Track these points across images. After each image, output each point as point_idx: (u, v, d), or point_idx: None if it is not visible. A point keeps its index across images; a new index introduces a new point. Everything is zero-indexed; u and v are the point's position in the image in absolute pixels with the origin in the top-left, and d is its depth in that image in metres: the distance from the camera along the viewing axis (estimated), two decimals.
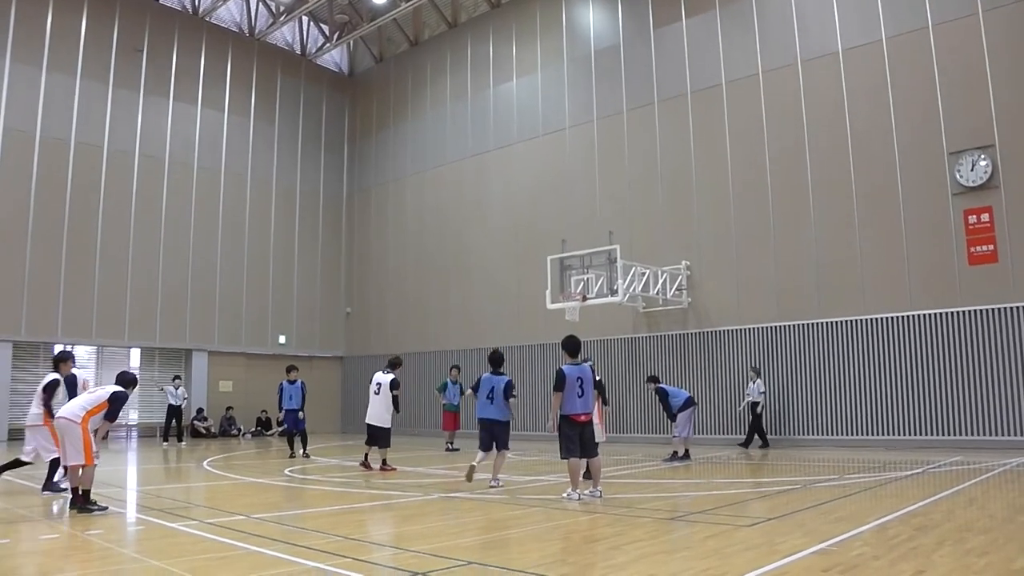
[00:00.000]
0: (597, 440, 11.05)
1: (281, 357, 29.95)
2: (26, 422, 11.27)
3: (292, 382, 18.36)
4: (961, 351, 17.65)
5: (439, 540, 7.44)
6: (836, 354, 19.38)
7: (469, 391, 12.60)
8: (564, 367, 10.23)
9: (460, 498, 10.58)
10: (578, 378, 10.14)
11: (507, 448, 12.03)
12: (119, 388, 9.79)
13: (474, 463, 11.71)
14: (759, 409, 19.14)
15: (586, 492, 10.12)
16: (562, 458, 10.21)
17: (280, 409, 18.49)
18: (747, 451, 18.59)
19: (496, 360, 12.27)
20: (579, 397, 10.11)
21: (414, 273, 29.94)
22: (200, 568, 6.22)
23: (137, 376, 11.47)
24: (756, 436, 19.17)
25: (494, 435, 11.86)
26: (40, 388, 11.20)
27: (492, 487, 11.42)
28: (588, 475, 10.79)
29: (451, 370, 21.22)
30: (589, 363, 11.09)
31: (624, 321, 22.94)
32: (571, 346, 10.49)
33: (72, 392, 10.84)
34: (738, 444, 19.41)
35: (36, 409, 11.14)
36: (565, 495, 10.07)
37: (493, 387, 11.89)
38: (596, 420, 11.52)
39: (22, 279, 24.01)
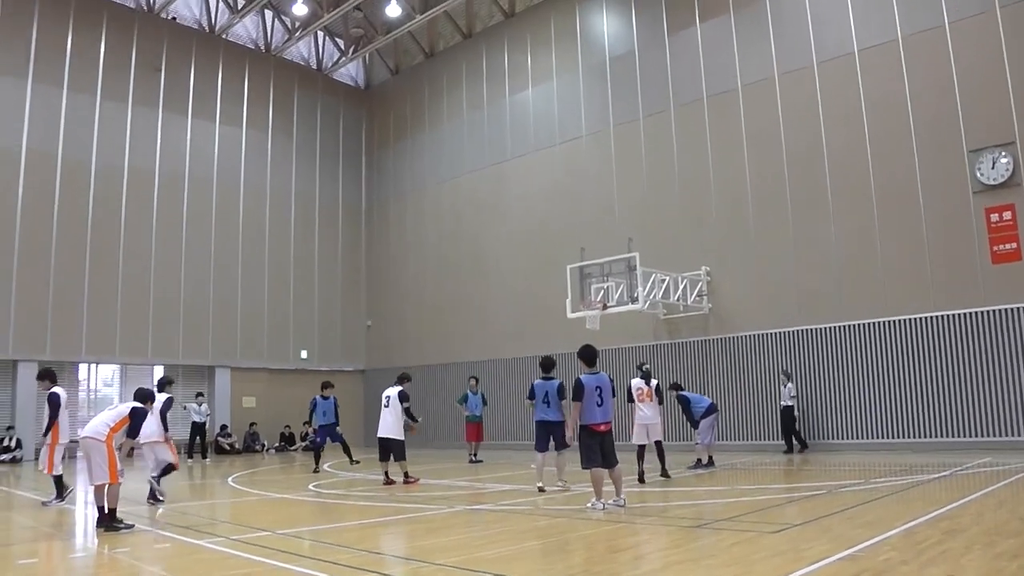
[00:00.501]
0: (656, 439, 13.70)
1: (303, 372, 30.16)
2: (140, 440, 11.41)
3: (326, 398, 18.67)
4: (985, 351, 17.47)
5: (464, 553, 7.43)
6: (859, 357, 19.23)
7: (528, 401, 13.05)
8: (582, 376, 10.20)
9: (484, 510, 10.57)
10: (596, 387, 10.12)
11: (567, 447, 12.03)
12: (138, 404, 9.90)
13: (538, 477, 12.01)
14: (795, 412, 19.12)
15: (610, 501, 10.07)
16: (584, 468, 10.18)
17: (310, 423, 18.63)
18: (791, 456, 18.41)
19: (547, 365, 12.63)
20: (598, 406, 10.09)
21: (433, 285, 30.00)
22: None
23: (155, 391, 11.70)
24: (794, 440, 19.10)
25: (553, 436, 12.34)
26: (159, 409, 12.09)
27: (559, 487, 11.73)
28: (665, 475, 12.20)
29: (470, 381, 21.23)
30: (646, 367, 12.98)
31: (645, 328, 22.87)
32: (588, 355, 10.51)
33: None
34: (782, 452, 19.19)
35: (154, 427, 11.91)
36: (589, 505, 10.03)
37: (547, 391, 12.46)
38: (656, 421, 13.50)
39: (46, 299, 24.24)
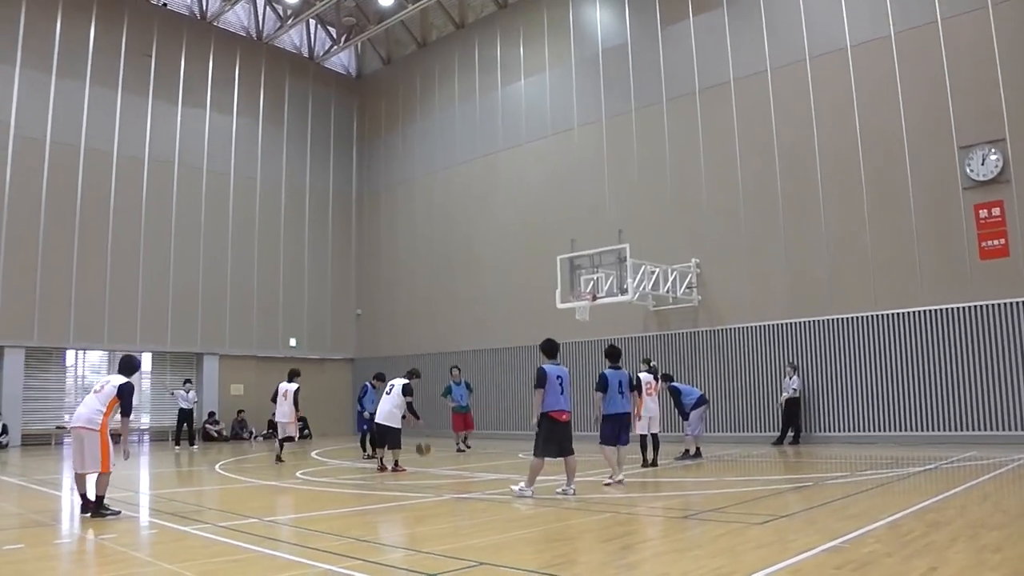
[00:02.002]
0: (654, 431, 14.27)
1: (292, 360, 30.04)
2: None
3: (375, 387, 18.53)
4: (972, 346, 17.57)
5: (451, 541, 7.44)
6: (847, 350, 19.32)
7: (598, 394, 11.65)
8: (545, 366, 10.49)
9: (472, 499, 10.59)
10: (558, 376, 10.42)
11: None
12: (123, 379, 9.54)
13: (615, 469, 11.59)
14: (797, 405, 19.35)
15: (558, 490, 10.41)
16: (535, 455, 10.43)
17: (362, 410, 18.77)
18: (782, 448, 18.61)
19: (614, 354, 12.01)
20: (560, 395, 10.37)
21: (423, 274, 29.97)
22: (213, 571, 6.25)
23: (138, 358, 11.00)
24: (789, 431, 19.28)
25: (624, 429, 11.72)
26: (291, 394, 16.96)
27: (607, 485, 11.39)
28: (655, 463, 12.72)
29: (452, 371, 21.18)
30: (652, 362, 13.45)
31: (634, 320, 22.91)
32: (549, 348, 10.84)
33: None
34: (772, 443, 19.35)
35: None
36: (517, 488, 10.35)
37: (620, 380, 11.72)
38: (635, 414, 13.06)
39: (34, 285, 24.12)
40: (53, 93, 25.02)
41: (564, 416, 10.37)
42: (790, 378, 19.38)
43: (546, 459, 10.45)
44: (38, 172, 24.57)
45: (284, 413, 17.84)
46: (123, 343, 25.80)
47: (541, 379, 10.35)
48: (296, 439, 18.86)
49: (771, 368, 20.37)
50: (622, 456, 11.97)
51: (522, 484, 10.39)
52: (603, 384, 11.47)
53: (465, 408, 20.55)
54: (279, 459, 17.53)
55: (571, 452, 10.49)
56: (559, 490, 10.44)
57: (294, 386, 17.87)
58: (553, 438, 10.32)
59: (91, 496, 9.14)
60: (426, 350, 28.73)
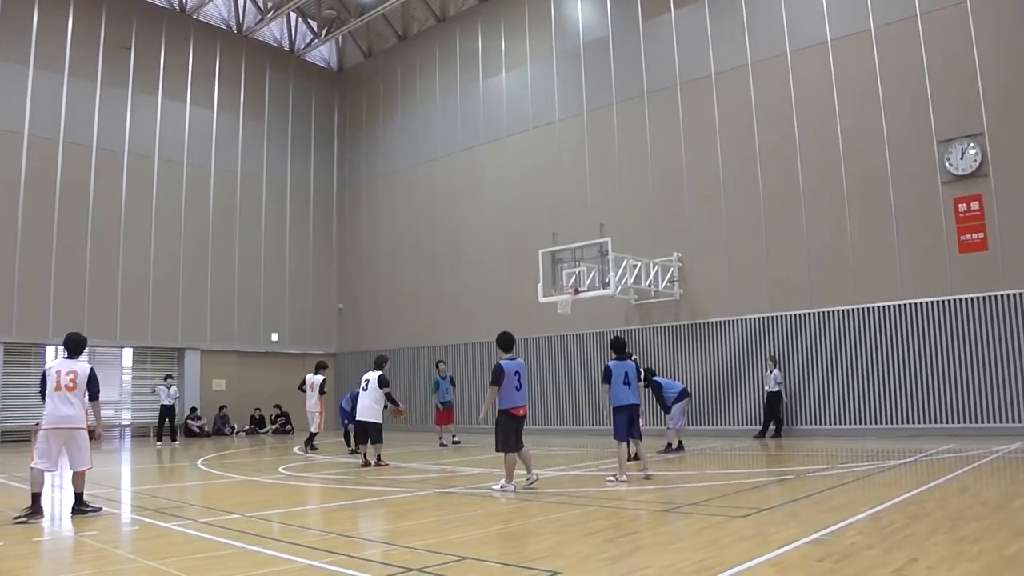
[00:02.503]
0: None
1: (274, 355, 30.02)
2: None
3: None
4: (952, 339, 17.71)
5: (434, 536, 7.43)
6: (828, 344, 19.44)
7: (604, 386, 11.38)
8: (502, 361, 10.45)
9: (455, 493, 10.60)
10: (515, 372, 10.41)
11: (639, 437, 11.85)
12: (86, 365, 9.25)
13: (623, 469, 11.29)
14: (784, 398, 19.52)
15: (524, 482, 10.41)
16: (498, 451, 10.46)
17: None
18: (764, 441, 18.69)
19: (620, 346, 11.72)
20: (517, 391, 10.38)
21: (405, 268, 29.91)
22: (195, 567, 6.21)
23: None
24: (772, 424, 19.35)
25: (634, 421, 11.51)
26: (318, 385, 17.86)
27: (645, 474, 11.34)
28: (636, 457, 12.09)
29: (438, 365, 21.03)
30: (634, 357, 12.46)
31: (616, 313, 22.96)
32: (505, 341, 10.75)
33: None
34: (754, 437, 19.41)
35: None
36: (498, 487, 10.30)
37: (626, 371, 11.36)
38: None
39: (12, 280, 23.90)
40: (31, 85, 24.77)
41: (521, 411, 10.42)
42: (771, 372, 19.47)
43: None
44: (16, 165, 24.31)
45: (312, 404, 18.98)
46: (103, 338, 25.65)
47: (498, 376, 10.32)
48: (319, 431, 19.35)
49: (753, 362, 20.46)
50: (641, 451, 11.99)
51: (502, 482, 10.37)
52: (607, 375, 11.29)
53: (448, 403, 20.38)
54: (312, 447, 19.00)
55: (522, 445, 10.55)
56: (527, 482, 10.45)
57: (320, 378, 19.02)
58: (513, 432, 10.39)
59: (79, 491, 9.07)
60: (408, 344, 28.70)
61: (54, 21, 25.45)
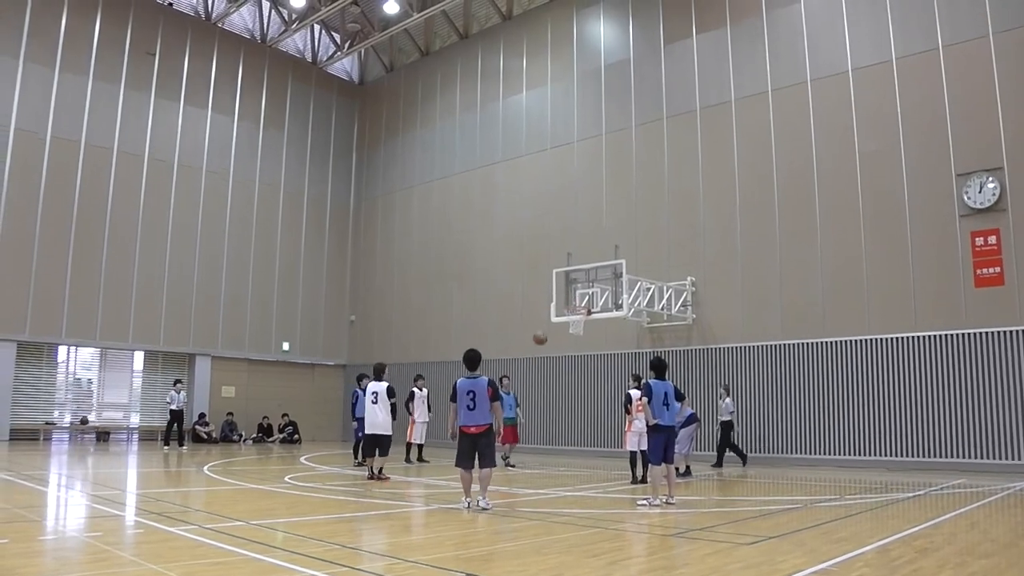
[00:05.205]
0: (644, 448, 12.71)
1: (284, 364, 30.08)
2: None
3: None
4: (966, 373, 17.58)
5: (437, 551, 7.41)
6: (840, 373, 19.31)
7: (644, 399, 11.22)
8: (459, 380, 10.60)
9: (459, 509, 10.55)
10: (469, 391, 10.41)
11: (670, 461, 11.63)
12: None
13: (655, 492, 11.19)
14: (735, 427, 18.94)
15: (476, 500, 10.31)
16: (456, 465, 10.52)
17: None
18: (720, 471, 17.95)
19: (660, 367, 11.62)
20: (469, 410, 10.38)
21: (418, 283, 29.94)
22: (196, 573, 6.20)
23: None
24: (731, 453, 18.84)
25: (670, 444, 11.36)
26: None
27: (668, 502, 11.07)
28: (644, 480, 12.22)
29: (502, 380, 18.29)
30: (643, 380, 12.11)
31: (628, 336, 22.91)
32: (469, 359, 10.75)
33: None
34: (711, 466, 18.67)
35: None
36: (463, 504, 10.34)
37: (666, 392, 11.27)
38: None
39: (28, 279, 24.05)
40: (56, 87, 25.02)
41: (472, 430, 10.37)
42: (723, 400, 19.01)
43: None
44: (37, 166, 24.53)
45: (419, 414, 19.18)
46: (115, 341, 25.76)
47: (452, 394, 10.53)
48: (422, 441, 19.55)
49: (764, 388, 20.35)
50: (671, 475, 11.47)
51: (464, 499, 10.41)
52: (648, 392, 11.10)
53: (513, 420, 18.36)
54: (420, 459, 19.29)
55: (492, 464, 10.57)
56: (462, 503, 10.41)
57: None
58: (465, 450, 10.41)
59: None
60: (419, 359, 28.64)
61: (81, 25, 25.72)
